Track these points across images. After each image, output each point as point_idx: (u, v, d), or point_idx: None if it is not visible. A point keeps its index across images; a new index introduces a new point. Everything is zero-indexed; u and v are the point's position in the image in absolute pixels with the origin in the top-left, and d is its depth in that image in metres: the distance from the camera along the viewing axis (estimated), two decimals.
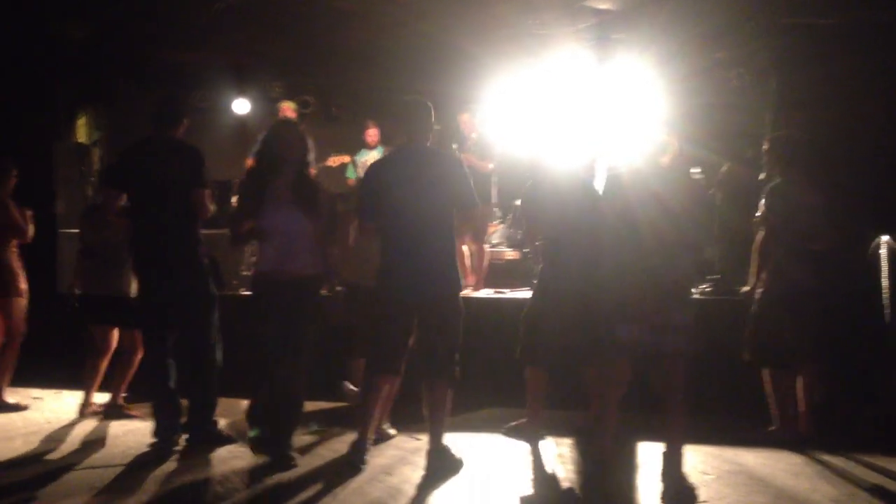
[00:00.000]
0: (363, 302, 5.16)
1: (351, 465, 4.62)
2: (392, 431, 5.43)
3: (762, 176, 5.72)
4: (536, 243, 5.64)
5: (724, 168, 7.37)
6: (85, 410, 6.14)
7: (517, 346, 5.38)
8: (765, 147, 5.64)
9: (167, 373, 5.19)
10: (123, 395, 6.16)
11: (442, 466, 4.59)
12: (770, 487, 4.43)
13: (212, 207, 5.24)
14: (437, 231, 4.64)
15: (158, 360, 5.21)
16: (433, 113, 4.83)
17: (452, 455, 4.70)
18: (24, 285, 6.40)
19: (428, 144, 4.83)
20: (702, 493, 4.26)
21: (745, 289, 5.52)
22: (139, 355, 5.95)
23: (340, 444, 5.07)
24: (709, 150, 6.77)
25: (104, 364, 6.20)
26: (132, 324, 5.93)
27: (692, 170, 5.38)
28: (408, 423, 5.43)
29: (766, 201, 5.32)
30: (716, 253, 7.39)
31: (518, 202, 8.76)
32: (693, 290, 4.98)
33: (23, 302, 6.39)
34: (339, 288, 5.29)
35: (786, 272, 5.26)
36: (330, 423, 5.65)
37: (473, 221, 5.01)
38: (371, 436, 4.79)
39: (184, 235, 5.14)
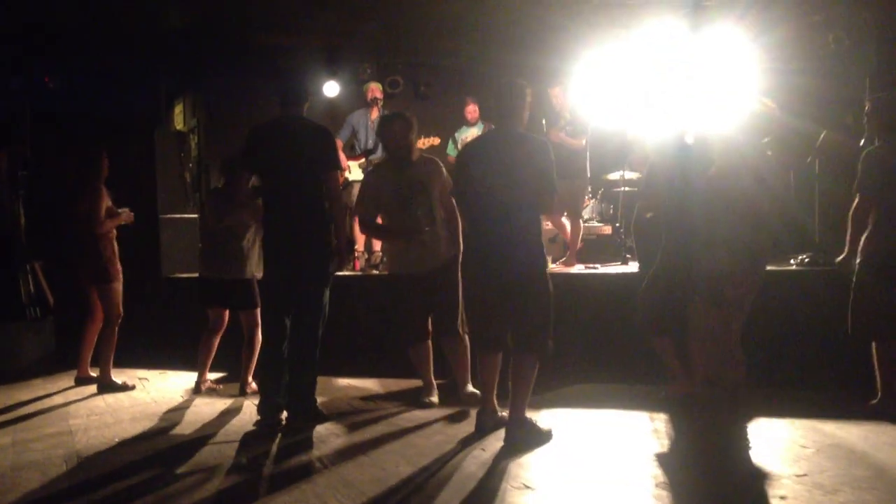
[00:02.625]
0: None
1: (478, 430, 4.86)
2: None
3: (862, 142, 5.52)
4: (648, 215, 5.62)
5: (822, 136, 7.16)
6: (201, 387, 6.33)
7: (638, 318, 5.41)
8: (867, 109, 5.45)
9: (282, 353, 5.28)
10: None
11: (524, 438, 4.62)
12: (871, 461, 4.30)
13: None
14: (522, 212, 4.66)
15: (276, 340, 5.30)
16: (528, 93, 4.79)
17: (536, 427, 4.74)
18: (119, 268, 6.61)
19: (521, 128, 4.81)
20: (801, 467, 4.16)
21: (839, 258, 5.37)
22: (259, 337, 6.06)
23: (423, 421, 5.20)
24: (806, 117, 6.57)
25: (216, 342, 6.37)
26: (249, 306, 6.11)
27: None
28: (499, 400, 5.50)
29: (862, 166, 5.15)
30: (815, 223, 7.21)
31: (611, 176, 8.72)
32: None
33: (119, 286, 6.59)
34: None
35: (884, 240, 5.10)
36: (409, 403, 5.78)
37: (549, 208, 5.01)
38: (494, 407, 4.93)
39: (315, 215, 5.20)
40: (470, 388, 5.66)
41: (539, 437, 4.69)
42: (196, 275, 6.59)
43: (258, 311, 6.00)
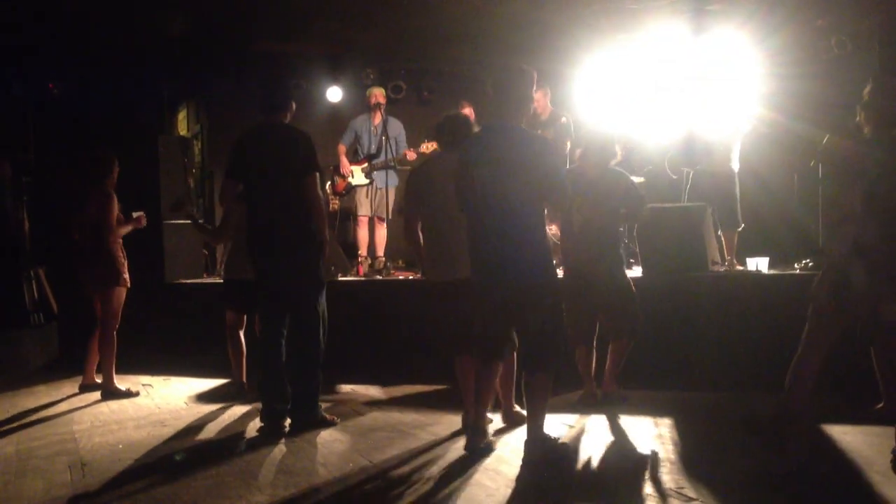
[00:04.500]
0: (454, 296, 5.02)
1: (470, 451, 4.55)
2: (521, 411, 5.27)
3: None
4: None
5: (825, 140, 7.14)
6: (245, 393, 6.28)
7: None
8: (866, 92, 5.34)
9: (280, 358, 5.30)
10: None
11: (542, 457, 4.41)
12: (876, 466, 4.29)
13: (321, 193, 5.33)
14: (529, 217, 4.39)
15: (274, 345, 5.31)
16: (531, 82, 4.51)
17: (553, 442, 4.55)
18: (126, 275, 6.61)
19: (523, 123, 4.55)
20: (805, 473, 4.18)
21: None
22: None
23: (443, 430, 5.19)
24: (809, 121, 6.57)
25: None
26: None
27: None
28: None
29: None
30: (819, 227, 7.19)
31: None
32: None
33: (123, 291, 6.59)
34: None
35: None
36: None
37: (564, 207, 4.76)
38: (486, 429, 4.70)
39: (295, 220, 5.20)
40: (516, 407, 5.30)
41: (556, 452, 4.51)
42: (214, 279, 6.54)
43: None
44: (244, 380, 6.36)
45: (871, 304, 4.36)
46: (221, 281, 6.53)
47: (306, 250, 5.23)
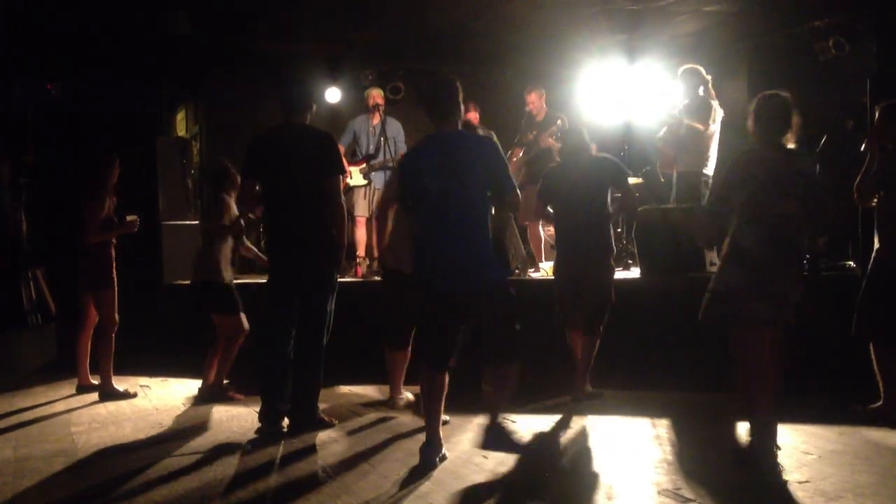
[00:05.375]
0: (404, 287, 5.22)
1: (423, 467, 4.40)
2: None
3: (863, 147, 5.51)
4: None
5: (823, 140, 7.16)
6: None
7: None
8: (878, 115, 5.37)
9: (285, 360, 5.27)
10: (226, 381, 6.36)
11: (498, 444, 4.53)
12: (875, 466, 4.29)
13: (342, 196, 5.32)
14: (473, 218, 4.41)
15: (280, 346, 5.28)
16: (459, 91, 4.55)
17: (506, 431, 4.68)
18: (114, 277, 6.56)
19: (459, 127, 4.62)
20: (804, 473, 4.16)
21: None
22: (240, 341, 6.20)
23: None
24: (807, 121, 6.59)
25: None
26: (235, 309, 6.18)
27: None
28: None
29: (891, 165, 5.12)
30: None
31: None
32: None
33: (114, 294, 6.56)
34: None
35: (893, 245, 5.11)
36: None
37: (516, 206, 4.74)
38: (440, 441, 4.56)
39: (317, 221, 5.19)
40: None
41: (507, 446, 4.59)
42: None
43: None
44: (223, 382, 6.37)
45: (739, 302, 4.40)
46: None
47: (325, 252, 5.21)
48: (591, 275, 5.86)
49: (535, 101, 8.40)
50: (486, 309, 4.43)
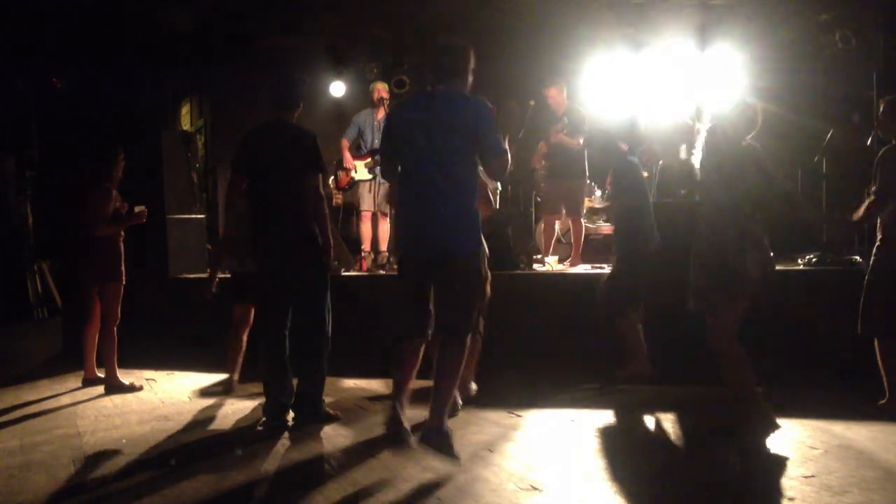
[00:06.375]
0: None
1: (394, 439, 4.41)
2: (473, 386, 5.61)
3: (869, 141, 5.49)
4: None
5: (830, 134, 7.14)
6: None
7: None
8: (881, 110, 5.37)
9: (284, 353, 5.29)
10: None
11: (434, 441, 4.31)
12: (880, 462, 4.28)
13: (324, 192, 5.33)
14: (455, 183, 4.29)
15: (278, 340, 5.29)
16: (466, 57, 4.48)
17: (447, 438, 4.35)
18: (123, 271, 6.59)
19: (466, 90, 4.47)
20: (809, 468, 4.15)
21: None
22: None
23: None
24: (813, 116, 6.57)
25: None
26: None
27: None
28: (509, 400, 5.54)
29: (885, 165, 5.09)
30: (822, 222, 7.19)
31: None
32: None
33: (121, 288, 6.58)
34: None
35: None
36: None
37: (499, 173, 4.65)
38: (404, 408, 4.51)
39: (298, 220, 5.20)
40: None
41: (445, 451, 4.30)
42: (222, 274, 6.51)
43: None
44: (236, 377, 6.37)
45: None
46: (228, 275, 6.49)
47: (308, 250, 5.23)
48: None
49: (554, 95, 8.35)
50: (443, 275, 4.34)
